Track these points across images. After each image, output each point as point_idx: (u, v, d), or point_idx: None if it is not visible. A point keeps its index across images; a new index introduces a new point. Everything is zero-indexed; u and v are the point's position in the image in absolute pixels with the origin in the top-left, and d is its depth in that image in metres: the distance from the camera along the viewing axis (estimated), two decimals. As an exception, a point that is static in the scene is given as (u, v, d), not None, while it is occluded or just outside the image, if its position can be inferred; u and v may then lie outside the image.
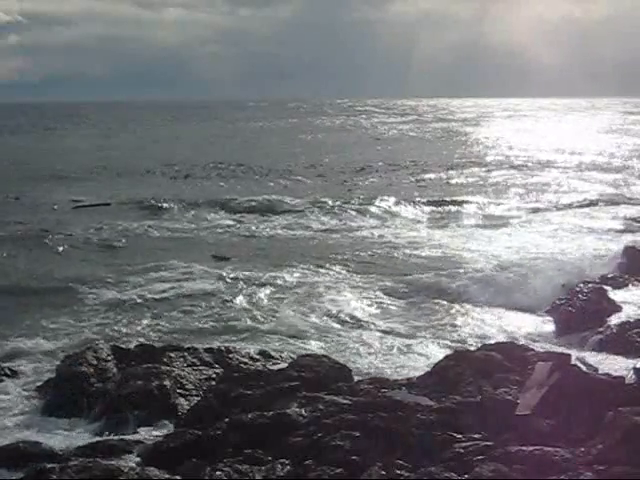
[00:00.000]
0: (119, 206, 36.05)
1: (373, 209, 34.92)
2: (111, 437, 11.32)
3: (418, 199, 37.04)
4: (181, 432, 10.92)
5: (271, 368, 13.45)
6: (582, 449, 8.51)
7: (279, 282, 21.18)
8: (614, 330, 15.79)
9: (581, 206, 35.54)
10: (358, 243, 27.50)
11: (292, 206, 36.07)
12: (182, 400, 12.41)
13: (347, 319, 17.97)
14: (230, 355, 13.98)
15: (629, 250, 21.91)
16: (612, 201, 36.50)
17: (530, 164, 53.43)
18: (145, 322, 17.72)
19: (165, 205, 35.86)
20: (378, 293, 20.23)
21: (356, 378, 12.95)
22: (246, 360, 13.88)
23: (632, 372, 10.85)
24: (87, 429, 11.93)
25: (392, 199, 36.50)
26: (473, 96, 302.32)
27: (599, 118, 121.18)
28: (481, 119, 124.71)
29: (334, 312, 18.38)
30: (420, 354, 15.34)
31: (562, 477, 7.92)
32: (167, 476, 9.39)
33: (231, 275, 21.99)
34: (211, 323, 17.86)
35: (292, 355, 14.43)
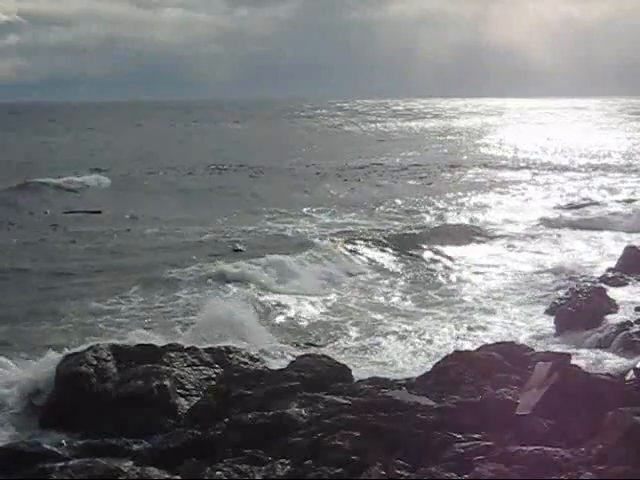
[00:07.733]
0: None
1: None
2: (111, 437, 11.32)
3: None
4: (181, 432, 10.92)
5: (271, 368, 13.45)
6: (582, 449, 8.49)
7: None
8: (614, 330, 15.79)
9: None
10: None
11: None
12: (182, 400, 12.41)
13: (347, 317, 17.97)
14: (230, 355, 13.95)
15: (629, 250, 21.92)
16: None
17: None
18: (145, 323, 17.71)
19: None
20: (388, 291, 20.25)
21: (356, 378, 12.94)
22: (246, 360, 13.86)
23: (632, 372, 10.85)
24: (87, 429, 11.90)
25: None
26: (477, 96, 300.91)
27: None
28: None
29: (334, 311, 18.40)
30: (421, 353, 15.35)
31: (562, 477, 7.92)
32: (167, 476, 9.38)
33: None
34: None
35: (292, 355, 14.41)
